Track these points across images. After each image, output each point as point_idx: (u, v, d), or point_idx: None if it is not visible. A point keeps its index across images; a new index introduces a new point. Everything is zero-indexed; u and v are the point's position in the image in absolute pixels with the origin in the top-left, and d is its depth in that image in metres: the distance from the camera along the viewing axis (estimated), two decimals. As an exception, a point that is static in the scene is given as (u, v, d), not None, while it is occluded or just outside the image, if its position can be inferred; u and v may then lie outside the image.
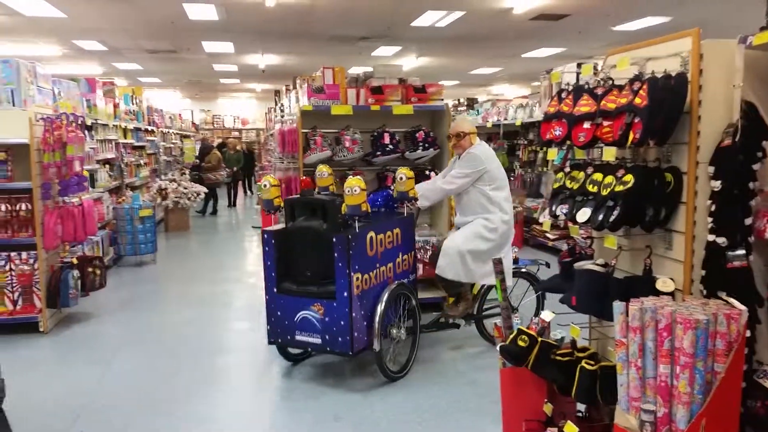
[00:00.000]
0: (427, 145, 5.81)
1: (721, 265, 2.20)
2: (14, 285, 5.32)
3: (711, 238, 2.22)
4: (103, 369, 4.57)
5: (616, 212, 2.32)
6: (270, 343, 4.23)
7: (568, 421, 2.63)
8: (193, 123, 22.36)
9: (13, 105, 5.51)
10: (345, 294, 3.89)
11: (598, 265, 2.56)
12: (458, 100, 17.23)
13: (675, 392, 2.05)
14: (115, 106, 9.04)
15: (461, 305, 4.80)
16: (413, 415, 3.75)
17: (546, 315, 2.88)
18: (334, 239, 3.89)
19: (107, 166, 8.47)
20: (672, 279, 2.36)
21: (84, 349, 5.02)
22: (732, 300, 2.12)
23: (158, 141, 12.90)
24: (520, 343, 2.82)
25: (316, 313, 4.00)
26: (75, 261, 5.70)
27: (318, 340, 4.02)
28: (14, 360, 4.66)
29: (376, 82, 5.85)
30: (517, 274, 4.91)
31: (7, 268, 5.31)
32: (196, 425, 3.68)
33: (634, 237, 2.58)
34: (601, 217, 2.38)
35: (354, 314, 3.90)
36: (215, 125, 25.29)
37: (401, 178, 4.36)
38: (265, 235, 4.16)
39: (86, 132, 7.00)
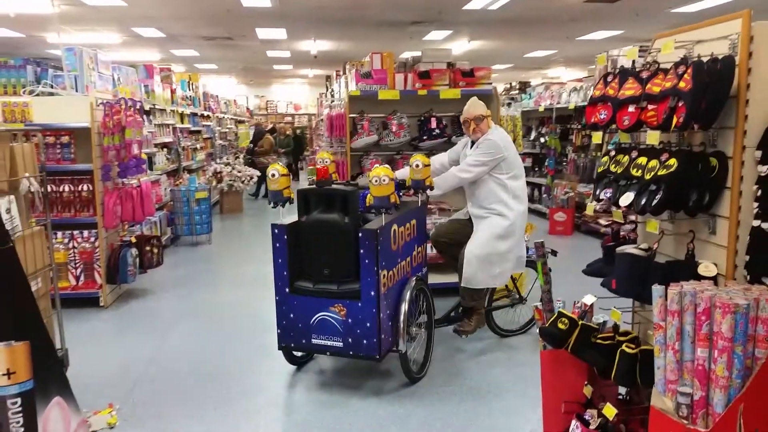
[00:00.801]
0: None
1: (766, 250, 2.17)
2: (76, 262, 5.62)
3: (756, 223, 2.19)
4: (159, 342, 4.80)
5: (658, 196, 2.31)
6: (280, 348, 3.92)
7: (608, 404, 2.64)
8: (247, 108, 22.78)
9: (76, 91, 5.80)
10: (372, 293, 3.58)
11: (640, 249, 2.54)
12: (510, 83, 16.99)
13: (713, 376, 2.05)
14: (173, 91, 9.33)
15: (474, 320, 4.50)
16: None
17: (588, 299, 2.88)
18: (360, 234, 3.57)
19: (165, 149, 8.76)
20: (715, 264, 2.33)
21: (141, 323, 5.28)
22: (776, 285, 2.09)
23: (214, 126, 13.24)
24: (560, 326, 2.84)
25: (336, 314, 3.68)
26: (133, 240, 5.96)
27: (339, 344, 3.71)
28: (77, 332, 4.94)
29: (424, 67, 5.86)
30: (527, 264, 4.64)
31: (70, 246, 5.61)
32: (247, 395, 3.85)
33: (678, 221, 2.56)
34: (643, 201, 2.37)
35: (381, 314, 3.62)
36: (269, 110, 25.70)
37: (417, 166, 3.94)
38: (276, 230, 3.77)
39: (144, 116, 7.26)
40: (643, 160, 2.51)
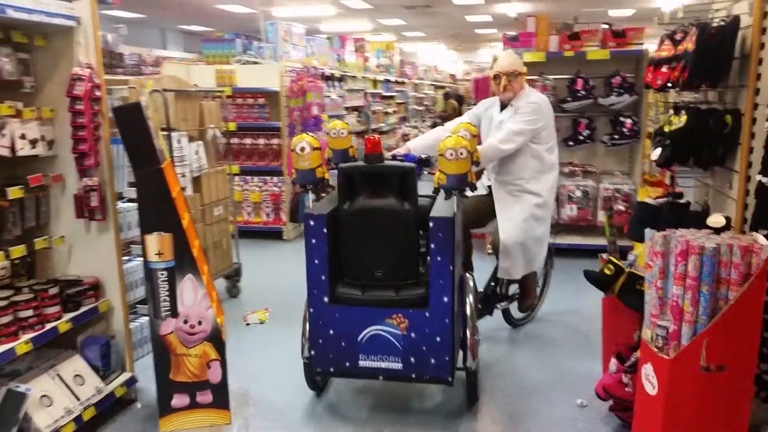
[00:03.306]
0: (622, 90, 5.83)
1: (765, 204, 2.29)
2: (267, 202, 6.89)
3: (758, 177, 2.31)
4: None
5: (667, 150, 2.52)
6: (314, 374, 3.18)
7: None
8: (451, 75, 23.46)
9: (275, 60, 7.00)
10: (446, 299, 2.84)
11: (655, 198, 2.74)
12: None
13: (684, 312, 2.28)
14: (365, 59, 10.37)
15: (533, 286, 4.07)
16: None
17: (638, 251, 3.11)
18: (431, 223, 2.81)
19: (355, 112, 9.86)
20: (728, 217, 2.48)
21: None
22: (759, 236, 2.23)
23: (408, 91, 14.19)
24: (606, 272, 3.12)
25: (395, 328, 2.93)
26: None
27: (397, 365, 2.95)
28: (260, 256, 6.17)
29: (580, 28, 5.99)
30: None
31: (263, 188, 6.88)
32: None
33: (718, 175, 2.69)
34: (658, 154, 2.59)
35: (455, 326, 2.92)
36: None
37: (464, 137, 3.01)
38: (312, 221, 2.92)
39: (330, 82, 8.34)
40: (675, 118, 2.69)
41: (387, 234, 2.93)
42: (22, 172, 2.90)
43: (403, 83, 13.49)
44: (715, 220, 2.47)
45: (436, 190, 2.87)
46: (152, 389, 3.06)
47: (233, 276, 4.99)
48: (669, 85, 2.63)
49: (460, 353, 3.07)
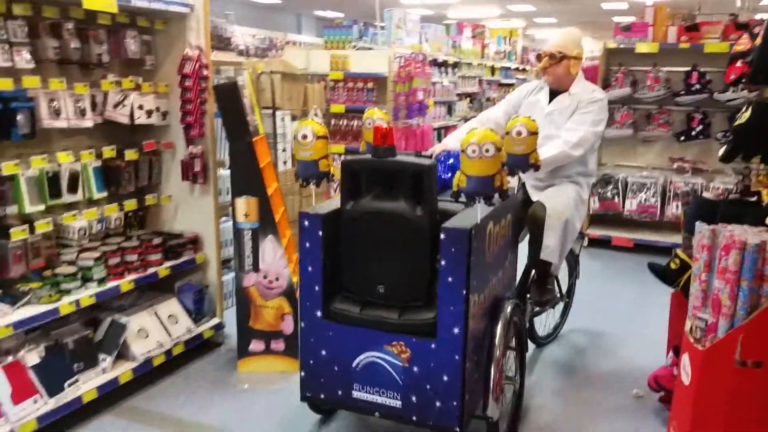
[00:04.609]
0: (742, 86, 5.49)
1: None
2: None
3: (819, 175, 2.23)
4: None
5: (729, 145, 2.47)
6: (303, 399, 2.69)
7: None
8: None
9: (388, 47, 7.28)
10: (456, 329, 2.34)
11: (713, 194, 2.68)
12: None
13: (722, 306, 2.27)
14: (483, 46, 10.39)
15: (552, 281, 3.51)
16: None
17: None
18: (442, 235, 2.32)
19: (468, 98, 9.94)
20: (791, 216, 2.40)
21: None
22: (809, 235, 2.17)
23: (530, 78, 13.96)
24: (672, 266, 3.10)
25: (395, 358, 2.45)
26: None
27: (396, 402, 2.48)
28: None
29: (702, 19, 5.72)
30: None
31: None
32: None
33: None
34: (722, 150, 2.54)
35: (468, 363, 2.39)
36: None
37: (519, 133, 2.47)
38: (306, 221, 2.54)
39: (441, 68, 8.50)
40: (746, 114, 2.63)
41: (393, 243, 2.44)
42: (139, 138, 3.39)
43: (524, 71, 13.31)
44: (774, 218, 2.41)
45: (455, 195, 2.36)
46: (235, 335, 3.46)
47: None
48: (742, 80, 2.56)
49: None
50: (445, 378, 2.38)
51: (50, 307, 2.78)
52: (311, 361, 2.60)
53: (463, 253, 2.30)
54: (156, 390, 3.19)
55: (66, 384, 2.81)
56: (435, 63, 8.29)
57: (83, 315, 3.10)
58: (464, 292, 2.32)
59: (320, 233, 2.52)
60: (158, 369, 3.24)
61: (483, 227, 2.44)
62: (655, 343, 3.43)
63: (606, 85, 5.92)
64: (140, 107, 3.27)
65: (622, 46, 5.84)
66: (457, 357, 2.36)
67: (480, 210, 2.39)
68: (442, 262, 2.34)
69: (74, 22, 2.97)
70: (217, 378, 3.34)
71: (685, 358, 2.41)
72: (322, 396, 2.63)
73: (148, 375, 3.19)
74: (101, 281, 3.03)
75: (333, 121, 6.02)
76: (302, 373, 2.64)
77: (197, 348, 3.50)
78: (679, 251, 3.10)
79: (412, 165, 2.45)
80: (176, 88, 3.38)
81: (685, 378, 2.39)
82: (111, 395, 3.01)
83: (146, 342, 3.17)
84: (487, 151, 2.25)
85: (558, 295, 3.67)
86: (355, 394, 2.54)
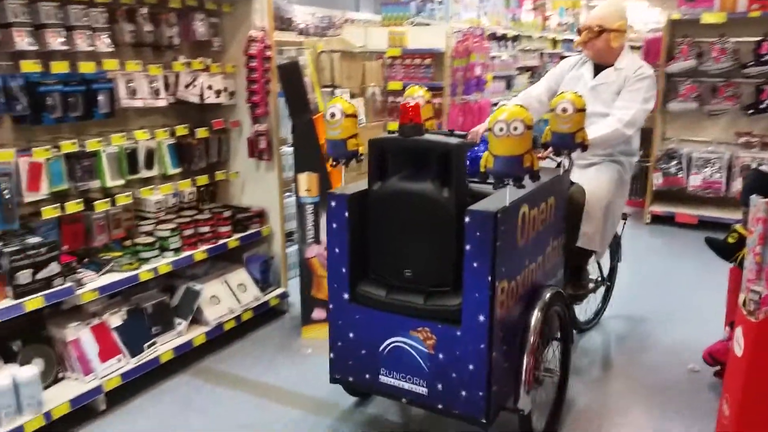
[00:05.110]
0: None
1: None
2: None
3: None
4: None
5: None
6: (333, 381, 2.66)
7: None
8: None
9: (446, 22, 7.29)
10: (482, 317, 2.24)
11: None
12: None
13: (778, 279, 2.27)
14: (545, 18, 10.21)
15: (584, 278, 3.37)
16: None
17: None
18: (467, 218, 2.22)
19: (528, 72, 9.82)
20: None
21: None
22: None
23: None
24: (730, 240, 3.08)
25: (420, 343, 2.39)
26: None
27: (422, 389, 2.43)
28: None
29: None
30: None
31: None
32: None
33: None
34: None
35: (494, 352, 2.29)
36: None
37: (564, 110, 2.48)
38: (333, 202, 2.50)
39: (500, 42, 8.43)
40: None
41: (420, 226, 2.37)
42: (209, 117, 3.59)
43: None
44: (837, 191, 2.38)
45: (483, 176, 2.30)
46: (298, 304, 3.65)
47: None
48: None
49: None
50: (471, 367, 2.30)
51: (131, 273, 3.02)
52: (339, 344, 2.57)
53: (489, 237, 2.19)
54: (226, 353, 3.42)
55: (145, 345, 3.05)
56: (494, 37, 8.22)
57: (160, 282, 3.34)
58: (489, 278, 2.21)
59: (346, 214, 2.46)
60: (228, 333, 3.46)
61: (513, 210, 2.30)
62: (714, 319, 3.41)
63: (670, 58, 5.77)
64: (209, 87, 3.46)
65: (686, 16, 5.66)
66: (482, 346, 2.26)
67: (509, 192, 2.26)
68: (467, 247, 2.23)
69: (148, 6, 3.16)
70: (282, 343, 3.54)
71: (738, 331, 2.42)
72: (351, 379, 2.60)
73: (219, 339, 3.42)
74: (177, 251, 3.26)
75: (390, 99, 6.10)
76: (331, 355, 2.61)
77: (264, 315, 3.71)
78: (737, 226, 3.08)
79: (439, 144, 2.35)
80: (242, 69, 3.55)
81: (738, 350, 2.40)
82: (186, 356, 3.25)
83: (218, 308, 3.39)
84: (515, 129, 2.11)
85: (595, 283, 3.52)
86: (383, 378, 2.50)
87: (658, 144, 5.99)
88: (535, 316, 2.46)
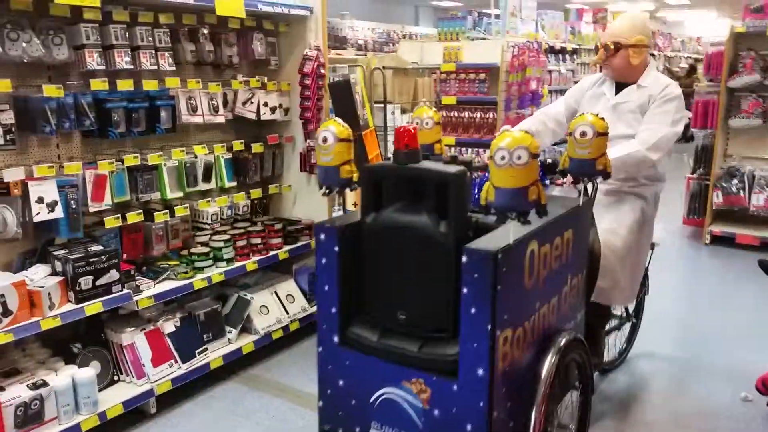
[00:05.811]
0: None
1: None
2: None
3: None
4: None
5: None
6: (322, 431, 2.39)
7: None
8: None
9: (503, 36, 7.28)
10: (480, 371, 1.96)
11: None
12: None
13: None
14: (605, 31, 10.05)
15: (602, 342, 3.11)
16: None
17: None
18: (464, 257, 1.92)
19: (586, 86, 9.68)
20: None
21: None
22: None
23: (658, 65, 13.23)
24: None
25: (414, 397, 2.12)
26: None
27: None
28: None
29: None
30: None
31: (476, 159, 7.29)
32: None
33: None
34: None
35: (496, 411, 2.00)
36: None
37: (583, 134, 2.25)
38: (322, 234, 2.22)
39: (558, 56, 8.35)
40: None
41: (415, 263, 2.09)
42: (264, 133, 3.71)
43: (652, 56, 12.68)
44: None
45: (485, 210, 1.99)
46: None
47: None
48: None
49: None
50: (469, 427, 2.00)
51: (185, 282, 3.16)
52: (329, 391, 2.31)
53: (488, 280, 1.89)
54: (273, 361, 3.52)
55: (197, 351, 3.18)
56: (552, 50, 8.15)
57: (213, 290, 3.47)
58: (489, 327, 1.91)
59: (336, 249, 2.17)
60: (276, 342, 3.56)
61: (519, 248, 1.99)
62: None
63: (732, 72, 5.59)
64: (265, 104, 3.59)
65: (751, 29, 5.48)
66: (482, 404, 1.96)
67: (513, 228, 1.96)
68: (464, 290, 1.94)
69: (208, 27, 3.31)
70: (327, 354, 3.61)
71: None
72: (341, 429, 2.32)
73: (267, 347, 3.52)
74: (230, 261, 3.38)
75: (444, 113, 6.15)
76: (320, 404, 2.34)
77: (310, 325, 3.79)
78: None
79: (436, 173, 2.07)
80: (296, 86, 3.66)
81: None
82: (234, 363, 3.35)
83: (267, 318, 3.50)
84: (519, 158, 1.84)
85: (620, 320, 3.35)
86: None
87: (719, 161, 5.80)
88: (547, 365, 2.17)
